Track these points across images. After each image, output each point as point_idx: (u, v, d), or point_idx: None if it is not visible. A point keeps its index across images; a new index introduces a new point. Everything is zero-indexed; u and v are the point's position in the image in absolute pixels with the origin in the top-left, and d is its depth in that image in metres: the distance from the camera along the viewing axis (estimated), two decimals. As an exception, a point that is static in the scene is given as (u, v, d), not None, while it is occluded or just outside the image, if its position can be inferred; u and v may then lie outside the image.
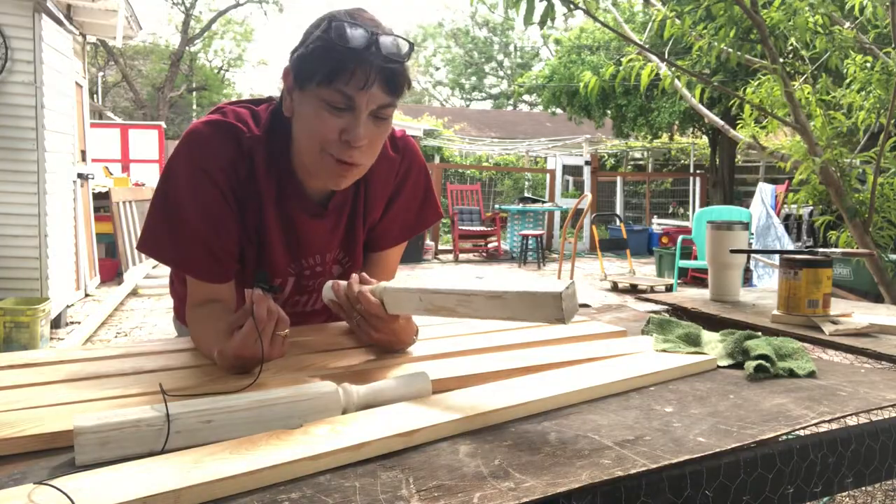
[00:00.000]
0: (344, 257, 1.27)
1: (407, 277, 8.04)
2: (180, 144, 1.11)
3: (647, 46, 3.36)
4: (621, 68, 3.30)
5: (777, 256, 1.83)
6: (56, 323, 5.06)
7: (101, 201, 7.21)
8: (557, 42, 13.92)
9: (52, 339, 4.71)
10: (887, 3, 2.85)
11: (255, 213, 1.14)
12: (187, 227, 1.09)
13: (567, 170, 13.45)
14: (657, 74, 3.30)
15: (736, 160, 13.03)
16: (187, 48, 22.93)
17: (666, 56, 3.15)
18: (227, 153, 1.10)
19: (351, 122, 1.01)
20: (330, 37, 0.98)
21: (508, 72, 33.08)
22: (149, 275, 7.33)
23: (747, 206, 7.52)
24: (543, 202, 12.16)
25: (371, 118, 1.03)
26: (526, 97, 29.94)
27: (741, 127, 3.48)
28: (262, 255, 1.18)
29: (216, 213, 1.10)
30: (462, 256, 11.12)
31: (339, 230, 1.23)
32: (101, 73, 19.61)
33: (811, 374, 1.03)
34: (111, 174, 8.69)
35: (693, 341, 1.16)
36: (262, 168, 1.12)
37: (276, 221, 1.16)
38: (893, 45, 2.93)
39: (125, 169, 10.40)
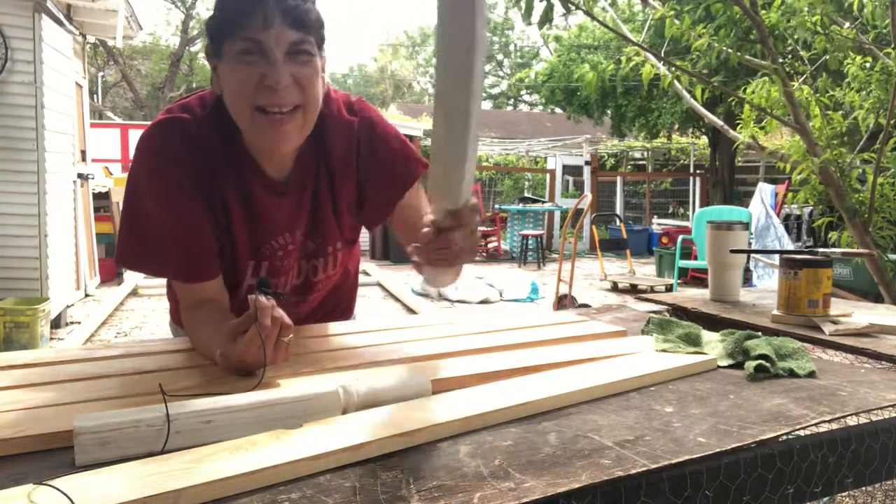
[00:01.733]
0: (314, 233, 1.23)
1: (407, 277, 8.03)
2: (135, 153, 1.10)
3: (646, 46, 3.36)
4: (620, 67, 3.30)
5: (777, 256, 1.83)
6: (56, 323, 5.06)
7: (101, 201, 7.23)
8: (557, 40, 13.92)
9: (52, 339, 4.71)
10: (887, 3, 2.85)
11: (219, 198, 1.12)
12: (159, 233, 1.08)
13: (567, 170, 13.45)
14: (657, 74, 3.30)
15: (736, 160, 13.03)
16: (187, 48, 22.92)
17: (665, 56, 3.15)
18: (179, 149, 1.08)
19: (266, 67, 1.00)
20: None
21: (508, 72, 33.03)
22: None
23: (747, 206, 7.51)
24: (543, 202, 12.16)
25: (290, 59, 1.02)
26: (526, 97, 29.91)
27: (741, 127, 3.48)
28: (230, 239, 1.15)
29: (183, 212, 1.08)
30: (462, 256, 11.09)
31: (304, 206, 1.19)
32: (101, 73, 19.58)
33: (811, 374, 1.03)
34: (111, 174, 8.69)
35: (693, 341, 1.16)
36: (217, 152, 1.11)
37: (239, 204, 1.13)
38: (893, 45, 2.93)
39: (125, 169, 10.38)
